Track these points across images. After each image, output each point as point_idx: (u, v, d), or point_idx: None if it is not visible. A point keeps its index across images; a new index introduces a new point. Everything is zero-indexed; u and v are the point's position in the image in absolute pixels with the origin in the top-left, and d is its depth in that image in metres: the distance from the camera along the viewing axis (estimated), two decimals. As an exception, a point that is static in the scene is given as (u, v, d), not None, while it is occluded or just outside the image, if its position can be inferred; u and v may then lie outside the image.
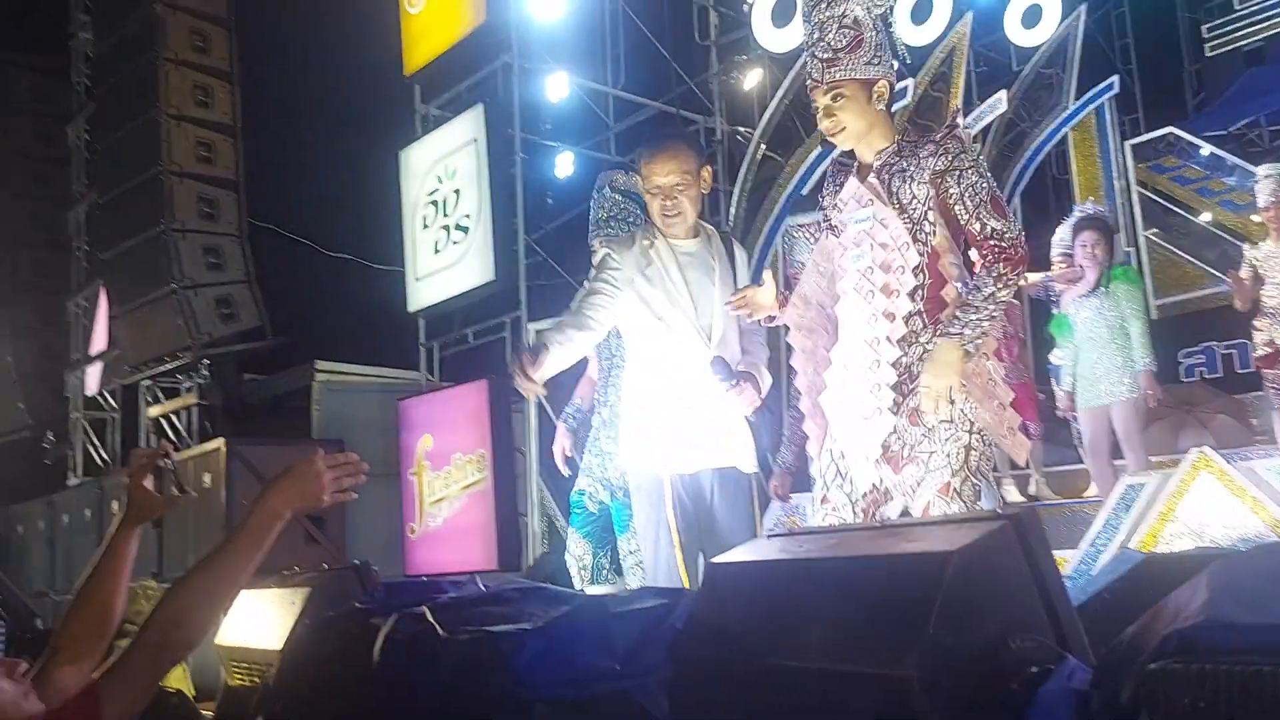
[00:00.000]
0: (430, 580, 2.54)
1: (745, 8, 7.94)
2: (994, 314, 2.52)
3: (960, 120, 2.58)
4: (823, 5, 2.71)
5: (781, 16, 7.55)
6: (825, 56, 2.66)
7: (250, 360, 9.26)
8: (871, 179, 2.67)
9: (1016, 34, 9.10)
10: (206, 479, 7.60)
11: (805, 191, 7.37)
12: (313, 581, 2.81)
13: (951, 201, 2.58)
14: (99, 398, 10.55)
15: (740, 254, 3.29)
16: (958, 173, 2.57)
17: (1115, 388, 5.22)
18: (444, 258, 7.96)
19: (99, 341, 10.30)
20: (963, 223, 2.58)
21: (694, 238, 3.17)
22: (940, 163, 2.57)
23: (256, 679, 2.72)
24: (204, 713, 3.11)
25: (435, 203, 8.11)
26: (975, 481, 2.55)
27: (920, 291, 2.60)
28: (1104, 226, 5.50)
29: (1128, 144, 8.70)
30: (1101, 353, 5.26)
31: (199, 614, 1.73)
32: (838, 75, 2.64)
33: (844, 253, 2.72)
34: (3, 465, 12.23)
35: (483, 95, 7.99)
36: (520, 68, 7.65)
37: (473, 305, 7.91)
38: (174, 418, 9.43)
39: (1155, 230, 8.49)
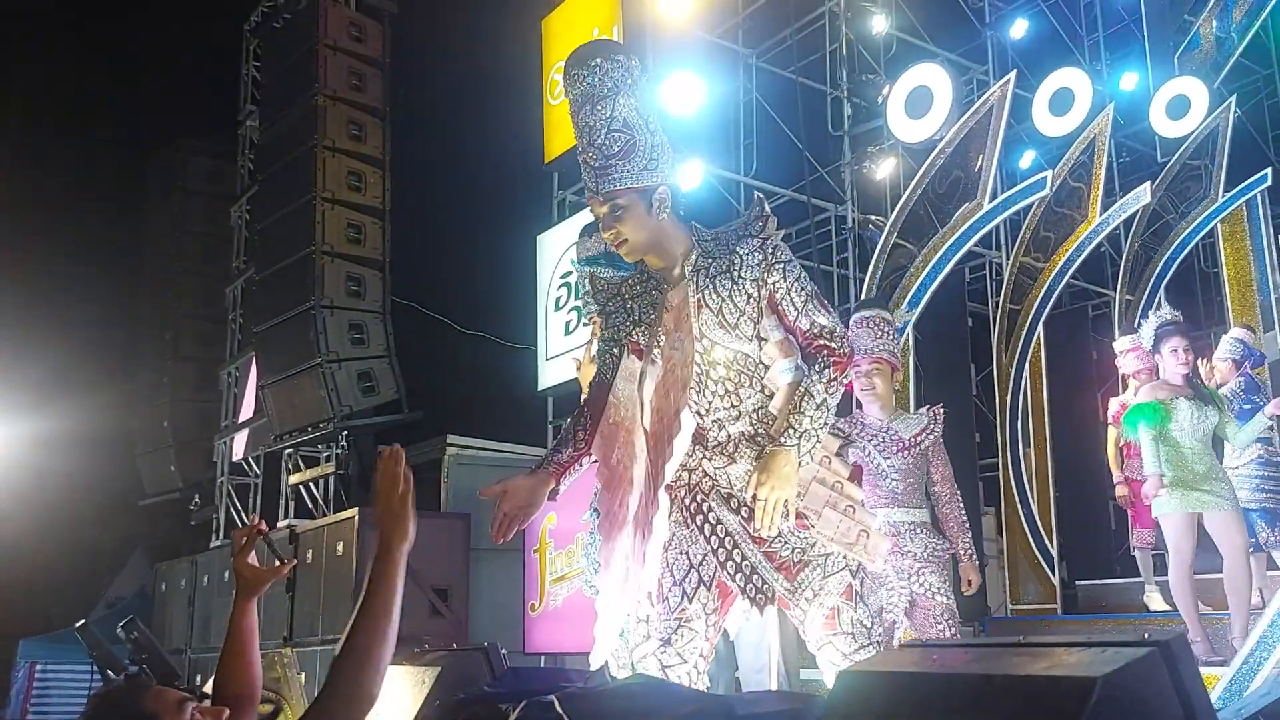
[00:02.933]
0: (558, 668, 2.57)
1: (880, 99, 8.00)
2: (826, 421, 2.41)
3: (767, 208, 2.32)
4: (588, 108, 2.47)
5: (916, 108, 7.58)
6: (597, 164, 2.46)
7: (387, 432, 9.58)
8: (686, 291, 2.48)
9: (1162, 125, 8.89)
10: (339, 547, 7.84)
11: (937, 283, 7.29)
12: (442, 661, 2.88)
13: (779, 296, 2.45)
14: (244, 463, 11.02)
15: None
16: (782, 266, 2.45)
17: (1212, 497, 4.91)
18: (575, 338, 8.14)
19: (247, 409, 10.82)
20: (791, 319, 2.45)
21: None
22: (764, 257, 2.44)
23: (384, 754, 2.78)
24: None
25: (568, 285, 8.33)
26: (870, 583, 2.48)
27: (758, 413, 2.47)
28: (1185, 330, 5.35)
29: (1282, 237, 8.35)
30: (1208, 462, 4.97)
31: (364, 673, 1.82)
32: (611, 185, 2.45)
33: (664, 375, 2.52)
34: (153, 524, 12.88)
35: (618, 183, 8.22)
36: (655, 157, 7.85)
37: (600, 386, 8.05)
38: (312, 486, 9.79)
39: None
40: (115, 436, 13.00)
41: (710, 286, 2.46)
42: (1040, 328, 7.77)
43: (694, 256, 2.49)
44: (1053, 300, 7.89)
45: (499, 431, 9.44)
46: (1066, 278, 7.97)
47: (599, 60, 2.46)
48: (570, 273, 8.31)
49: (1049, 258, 7.94)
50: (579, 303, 8.15)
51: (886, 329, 4.53)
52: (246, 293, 11.02)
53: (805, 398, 2.40)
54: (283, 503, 10.13)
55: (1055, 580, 7.34)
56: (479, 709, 2.16)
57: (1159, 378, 5.35)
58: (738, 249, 2.46)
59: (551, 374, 8.38)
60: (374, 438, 9.37)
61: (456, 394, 10.56)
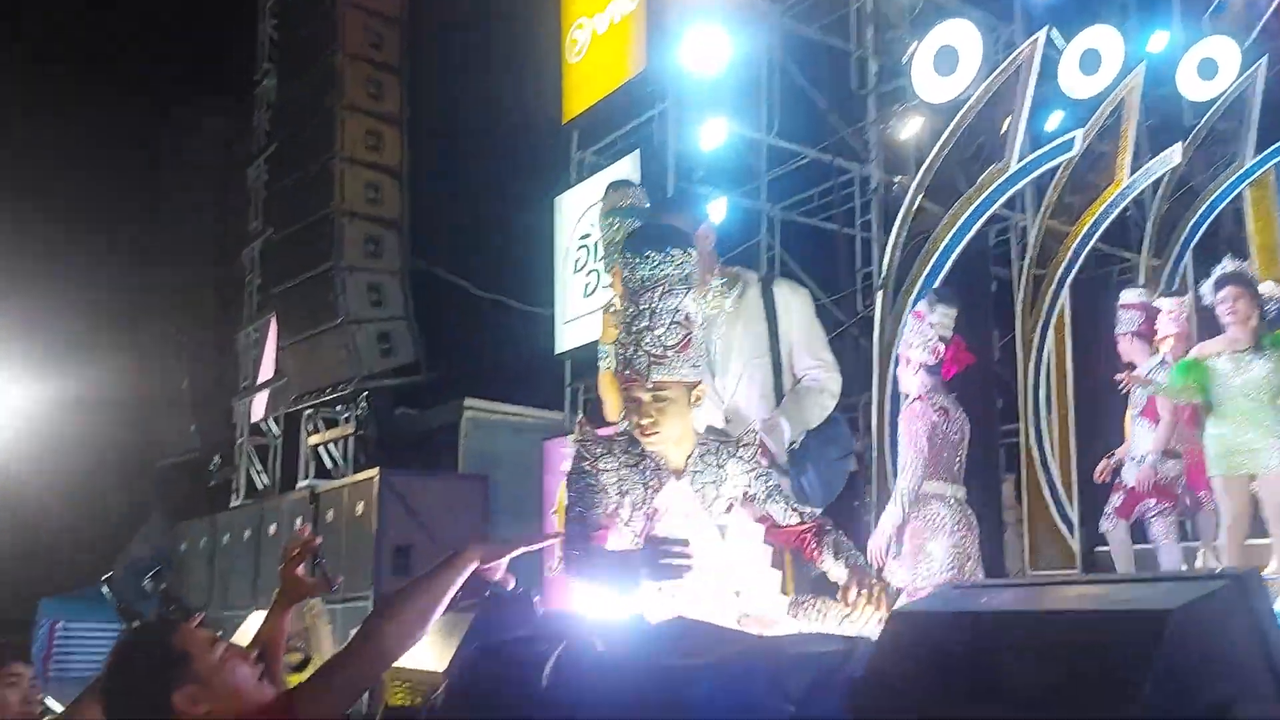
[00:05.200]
0: (592, 616, 2.57)
1: (905, 59, 7.87)
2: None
3: (757, 426, 2.85)
4: (657, 292, 2.51)
5: (943, 66, 7.46)
6: (656, 352, 2.48)
7: (404, 394, 9.58)
8: (685, 486, 2.57)
9: (1190, 86, 8.73)
10: (359, 507, 7.87)
11: (961, 246, 7.19)
12: (475, 608, 2.86)
13: (761, 500, 2.59)
14: (263, 424, 11.06)
15: (786, 298, 3.31)
16: (764, 477, 2.62)
17: (1268, 459, 4.70)
18: (593, 301, 8.08)
19: (267, 370, 10.83)
20: (782, 520, 2.58)
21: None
22: (749, 483, 2.59)
23: (418, 699, 2.78)
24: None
25: (587, 247, 8.27)
26: None
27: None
28: (1246, 281, 5.12)
29: (1310, 202, 8.22)
30: (1255, 418, 4.76)
31: (398, 639, 1.86)
32: (665, 376, 2.49)
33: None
34: (173, 485, 12.95)
35: (638, 142, 8.14)
36: (676, 115, 7.76)
37: (619, 348, 8.01)
38: (331, 447, 9.81)
39: (1341, 292, 7.94)
40: (134, 398, 13.06)
41: (700, 490, 2.58)
42: (1065, 292, 7.67)
43: (694, 458, 2.60)
44: (1078, 265, 7.79)
45: (516, 394, 9.44)
46: (1093, 241, 7.86)
47: (676, 249, 2.53)
48: (588, 234, 8.23)
49: (1075, 221, 7.83)
50: (599, 264, 8.10)
51: (911, 324, 4.75)
52: (265, 253, 11.00)
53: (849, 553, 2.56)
54: (302, 463, 10.16)
55: (1075, 545, 7.30)
56: (519, 650, 2.14)
57: (1191, 341, 5.26)
58: (727, 466, 2.60)
59: (569, 337, 8.34)
60: (392, 398, 9.39)
61: (475, 357, 10.53)
